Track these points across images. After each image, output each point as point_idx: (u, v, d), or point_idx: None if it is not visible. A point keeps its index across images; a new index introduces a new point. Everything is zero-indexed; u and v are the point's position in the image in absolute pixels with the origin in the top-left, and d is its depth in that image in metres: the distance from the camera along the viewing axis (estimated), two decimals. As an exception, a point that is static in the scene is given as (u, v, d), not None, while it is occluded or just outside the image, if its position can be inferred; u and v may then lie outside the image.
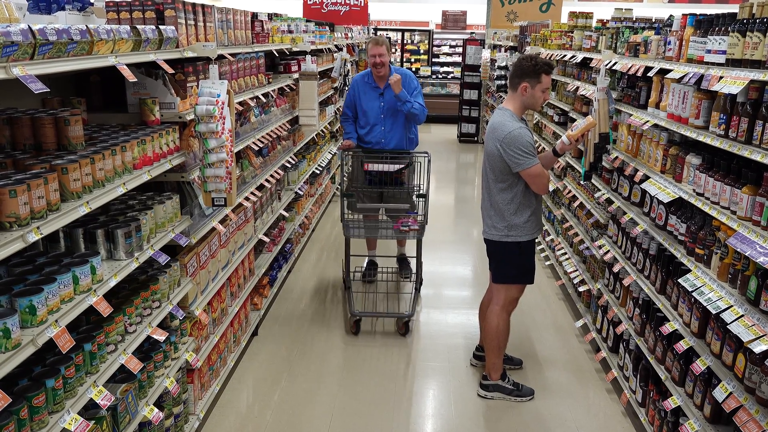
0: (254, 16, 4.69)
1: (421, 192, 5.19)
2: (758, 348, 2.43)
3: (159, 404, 3.04)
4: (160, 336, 2.92)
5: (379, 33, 16.74)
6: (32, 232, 2.04)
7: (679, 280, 3.13)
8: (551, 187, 6.37)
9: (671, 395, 3.25)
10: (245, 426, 3.73)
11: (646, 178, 3.77)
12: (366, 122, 5.42)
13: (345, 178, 5.55)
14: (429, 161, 5.08)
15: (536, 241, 6.99)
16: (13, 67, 1.89)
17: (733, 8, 3.02)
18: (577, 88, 5.48)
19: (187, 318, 3.36)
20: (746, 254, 2.55)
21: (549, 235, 6.47)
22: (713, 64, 2.98)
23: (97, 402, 2.40)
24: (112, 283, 2.53)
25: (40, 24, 2.05)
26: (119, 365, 2.61)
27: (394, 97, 5.22)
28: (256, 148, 4.69)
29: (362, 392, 4.09)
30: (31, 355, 2.06)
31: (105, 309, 2.42)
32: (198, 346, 3.51)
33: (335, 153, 8.57)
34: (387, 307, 5.32)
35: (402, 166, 5.22)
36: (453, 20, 17.46)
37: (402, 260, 6.08)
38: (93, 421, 2.43)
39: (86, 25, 2.30)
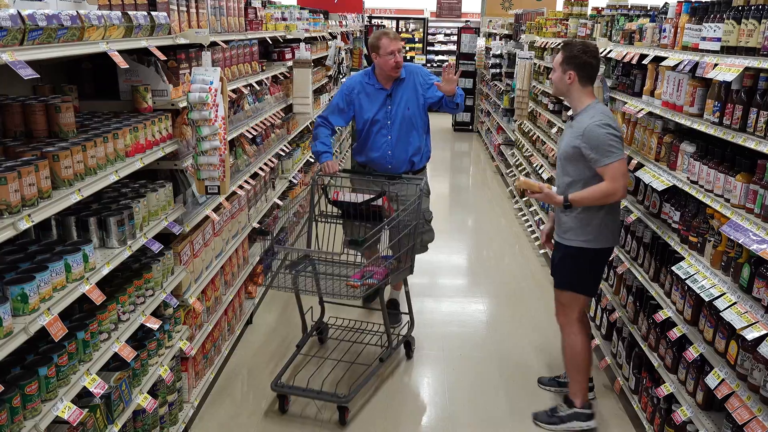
0: (247, 2, 4.66)
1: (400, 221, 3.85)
2: (750, 335, 2.44)
3: (153, 392, 3.04)
4: (154, 324, 2.91)
5: (374, 22, 16.66)
6: (23, 220, 2.03)
7: (673, 268, 3.13)
8: (545, 176, 6.38)
9: (664, 382, 3.27)
10: (240, 414, 3.73)
11: (640, 166, 3.77)
12: (367, 134, 4.37)
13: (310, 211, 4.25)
14: (421, 189, 4.06)
15: (531, 229, 6.98)
16: (2, 53, 1.86)
17: (729, -5, 3.00)
18: (572, 76, 5.46)
19: (180, 306, 3.36)
20: (739, 242, 2.55)
21: (543, 223, 6.48)
22: (708, 51, 2.98)
23: (91, 390, 2.39)
24: (105, 271, 2.52)
25: (30, 9, 2.02)
26: (113, 353, 2.60)
27: (447, 101, 4.29)
28: (250, 136, 4.67)
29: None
30: (24, 343, 2.05)
31: (98, 297, 2.41)
32: (192, 335, 3.50)
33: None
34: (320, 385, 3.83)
35: (370, 197, 4.01)
36: (448, 8, 17.38)
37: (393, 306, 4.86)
38: (87, 409, 2.42)
39: (77, 11, 2.27)
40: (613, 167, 3.19)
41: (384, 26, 16.64)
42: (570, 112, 3.53)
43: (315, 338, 4.45)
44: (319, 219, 4.30)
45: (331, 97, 8.64)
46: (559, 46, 3.40)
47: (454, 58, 16.01)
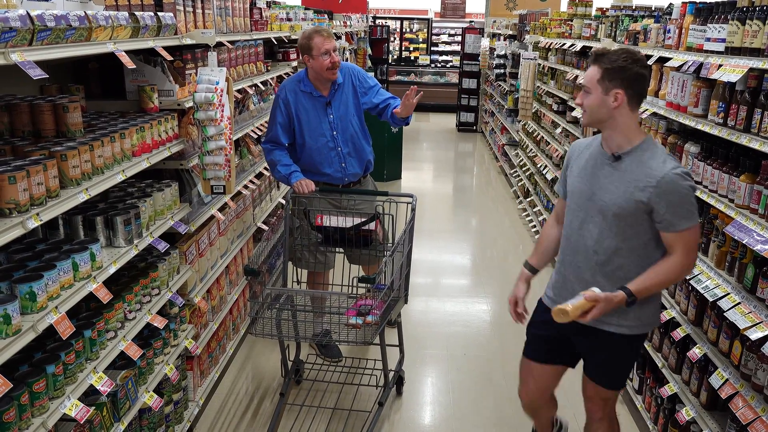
0: (253, 3, 4.67)
1: (393, 248, 3.39)
2: (754, 335, 2.44)
3: (159, 391, 3.06)
4: (160, 323, 2.93)
5: (378, 22, 16.66)
6: (32, 219, 2.04)
7: (677, 268, 3.14)
8: (549, 176, 6.38)
9: (668, 382, 3.27)
10: (245, 413, 3.75)
11: (644, 166, 3.77)
12: (312, 150, 3.91)
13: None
14: (413, 209, 3.60)
15: (535, 229, 6.95)
16: (12, 53, 1.88)
17: (733, -4, 3.01)
18: (577, 76, 5.47)
19: (186, 305, 3.37)
20: (744, 242, 2.56)
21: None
22: (712, 52, 2.98)
23: (98, 388, 2.41)
24: (112, 270, 2.53)
25: (38, 10, 2.04)
26: (119, 352, 2.62)
27: (395, 118, 3.87)
28: (255, 136, 4.69)
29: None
30: (32, 341, 2.06)
31: (105, 296, 2.43)
32: (197, 334, 3.52)
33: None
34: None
35: (364, 220, 3.63)
36: (452, 8, 17.38)
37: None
38: (93, 407, 2.44)
39: (85, 12, 2.29)
40: (690, 233, 2.38)
41: (389, 27, 16.65)
42: (611, 148, 2.47)
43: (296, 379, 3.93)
44: (299, 248, 3.94)
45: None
46: (589, 59, 2.67)
47: (458, 57, 16.03)
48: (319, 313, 3.48)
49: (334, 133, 3.91)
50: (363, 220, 3.63)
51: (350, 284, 3.88)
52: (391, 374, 3.78)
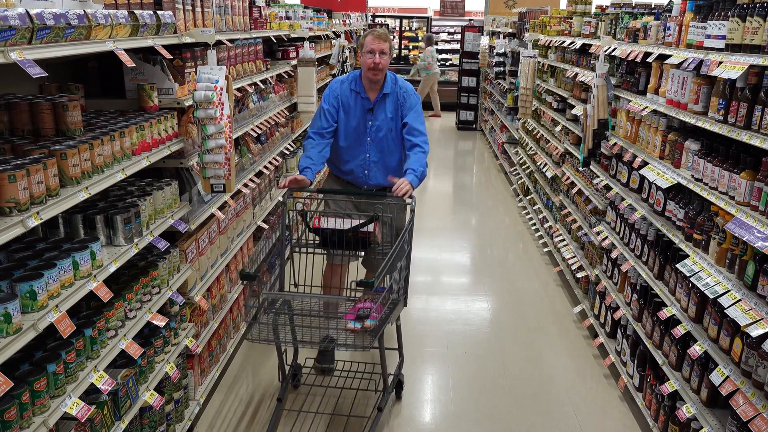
0: (252, 2, 4.67)
1: (393, 247, 3.28)
2: (755, 332, 2.44)
3: (159, 389, 3.05)
4: (160, 322, 2.93)
5: (378, 20, 16.66)
6: (32, 218, 2.04)
7: (677, 266, 3.14)
8: (549, 174, 6.38)
9: (668, 380, 3.28)
10: (246, 412, 3.75)
11: (644, 164, 3.77)
12: (343, 147, 4.00)
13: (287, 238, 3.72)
14: (413, 210, 3.60)
15: (535, 227, 6.97)
16: (11, 51, 1.88)
17: (733, -7, 3.00)
18: (576, 74, 5.46)
19: (186, 304, 3.37)
20: (744, 239, 2.56)
21: (547, 221, 6.49)
22: (713, 49, 2.98)
23: (98, 387, 2.41)
24: (112, 268, 2.53)
25: (37, 8, 2.04)
26: (120, 350, 2.62)
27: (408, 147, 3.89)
28: (255, 135, 4.68)
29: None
30: (32, 340, 2.06)
31: (105, 294, 2.43)
32: (198, 332, 3.52)
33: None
34: None
35: (362, 221, 3.56)
36: (451, 7, 17.36)
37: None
38: (94, 406, 2.44)
39: (84, 10, 2.29)
40: None
41: (388, 25, 16.64)
42: None
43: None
44: (296, 249, 3.84)
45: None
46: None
47: (458, 56, 15.93)
48: (319, 317, 3.41)
49: (368, 139, 3.97)
50: (361, 221, 3.59)
51: (349, 287, 3.87)
52: (390, 378, 3.72)
